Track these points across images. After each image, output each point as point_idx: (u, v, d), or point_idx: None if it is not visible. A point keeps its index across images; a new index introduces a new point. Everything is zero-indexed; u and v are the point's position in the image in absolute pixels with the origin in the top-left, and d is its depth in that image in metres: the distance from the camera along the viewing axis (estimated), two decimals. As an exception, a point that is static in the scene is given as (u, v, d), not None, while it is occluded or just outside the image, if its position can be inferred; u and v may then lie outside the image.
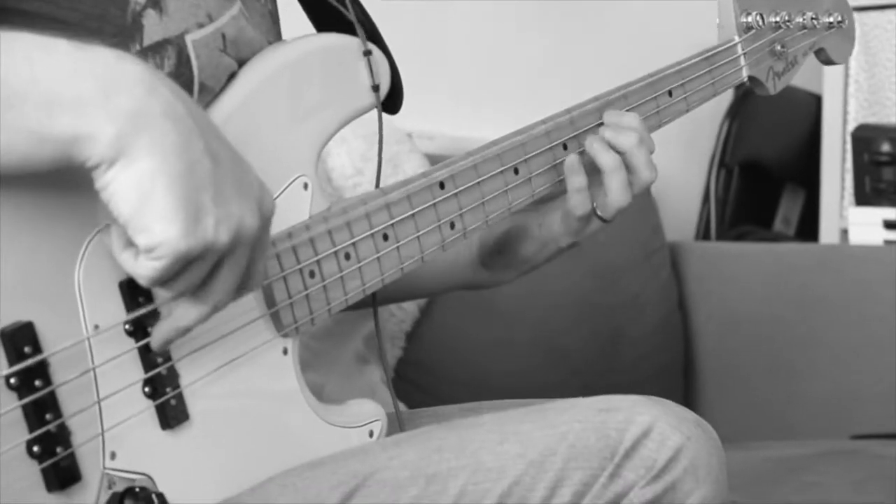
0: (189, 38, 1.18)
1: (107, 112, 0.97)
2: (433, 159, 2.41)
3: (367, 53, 1.29)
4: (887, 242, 2.93)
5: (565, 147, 1.42)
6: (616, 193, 1.40)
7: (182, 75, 1.17)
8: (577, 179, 1.40)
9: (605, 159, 1.40)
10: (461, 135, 2.64)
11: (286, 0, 1.40)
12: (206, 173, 1.00)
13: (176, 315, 1.06)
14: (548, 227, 1.44)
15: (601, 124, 1.44)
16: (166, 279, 1.01)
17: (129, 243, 1.00)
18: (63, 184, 1.02)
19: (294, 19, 1.39)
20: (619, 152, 1.41)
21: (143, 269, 1.00)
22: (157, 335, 1.07)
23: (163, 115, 0.98)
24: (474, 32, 2.85)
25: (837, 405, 2.58)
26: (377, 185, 1.33)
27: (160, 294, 1.08)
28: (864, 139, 3.00)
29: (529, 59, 2.94)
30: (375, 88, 1.30)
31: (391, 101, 1.35)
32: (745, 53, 1.60)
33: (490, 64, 2.87)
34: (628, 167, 1.41)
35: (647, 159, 1.41)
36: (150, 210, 0.97)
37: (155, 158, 0.97)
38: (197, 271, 1.01)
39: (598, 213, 1.41)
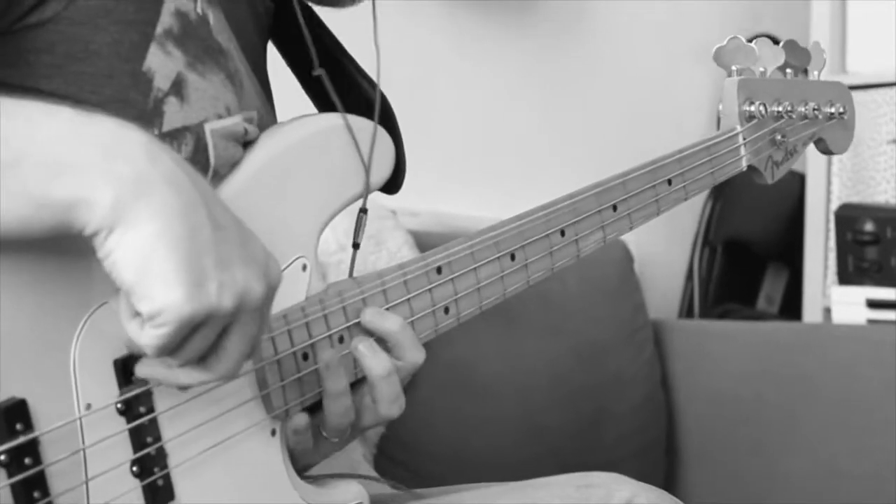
0: (208, 127, 1.18)
1: (106, 177, 0.96)
2: (417, 236, 2.41)
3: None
4: (870, 321, 2.94)
5: (563, 233, 1.40)
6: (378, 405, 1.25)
7: (198, 162, 1.17)
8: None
9: (373, 364, 1.24)
10: (446, 211, 2.64)
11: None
12: (208, 238, 0.99)
13: (178, 371, 1.04)
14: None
15: (599, 211, 1.42)
16: (172, 347, 1.00)
17: (136, 313, 1.00)
18: (62, 261, 1.02)
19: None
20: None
21: (148, 339, 0.99)
22: (146, 371, 1.06)
23: (164, 181, 0.98)
24: (460, 109, 2.86)
25: (820, 486, 2.57)
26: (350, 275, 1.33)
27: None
28: (848, 218, 3.02)
29: (516, 137, 2.95)
30: (364, 211, 1.31)
31: (393, 182, 1.35)
32: (745, 143, 1.59)
33: (475, 140, 2.88)
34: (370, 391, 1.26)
35: (390, 393, 1.25)
36: (152, 275, 0.96)
37: (155, 223, 0.97)
38: (202, 339, 1.01)
39: (323, 432, 1.27)
